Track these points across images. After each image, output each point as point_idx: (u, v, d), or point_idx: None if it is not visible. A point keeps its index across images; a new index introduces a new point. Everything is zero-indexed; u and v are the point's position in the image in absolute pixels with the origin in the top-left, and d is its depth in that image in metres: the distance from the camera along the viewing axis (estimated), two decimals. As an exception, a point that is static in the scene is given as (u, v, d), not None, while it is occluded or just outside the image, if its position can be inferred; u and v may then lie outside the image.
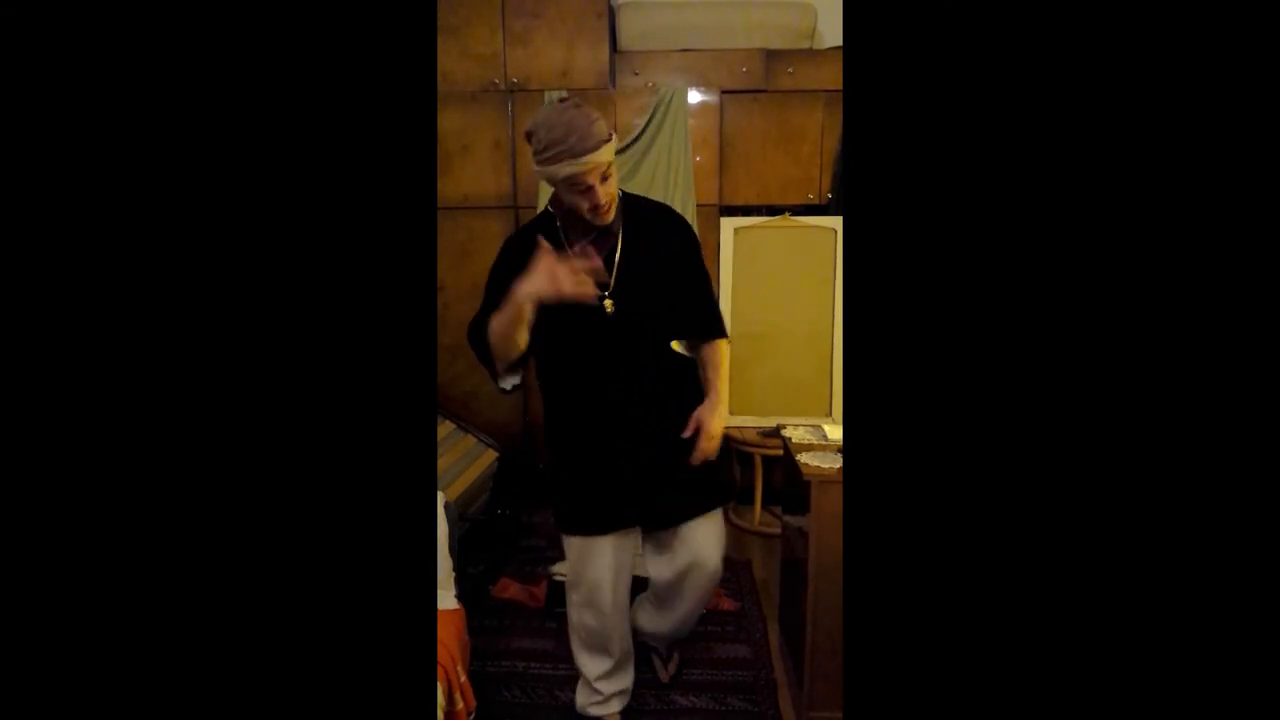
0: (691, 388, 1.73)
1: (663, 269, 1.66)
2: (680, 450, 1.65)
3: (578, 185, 1.51)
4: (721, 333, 1.75)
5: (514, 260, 1.58)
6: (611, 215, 1.59)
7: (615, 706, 1.90)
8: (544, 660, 2.23)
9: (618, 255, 1.63)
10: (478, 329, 1.61)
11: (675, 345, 1.75)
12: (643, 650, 2.03)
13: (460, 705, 1.66)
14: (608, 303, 1.60)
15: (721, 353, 1.73)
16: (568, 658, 2.22)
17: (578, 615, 1.80)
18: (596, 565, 1.72)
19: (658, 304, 1.65)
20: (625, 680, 1.89)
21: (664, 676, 2.08)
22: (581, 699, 1.91)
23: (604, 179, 1.52)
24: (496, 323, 1.53)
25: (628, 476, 1.66)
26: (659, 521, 1.74)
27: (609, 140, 1.50)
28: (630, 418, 1.65)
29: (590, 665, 1.86)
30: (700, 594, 1.82)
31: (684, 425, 1.65)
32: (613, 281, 1.61)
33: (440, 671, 1.59)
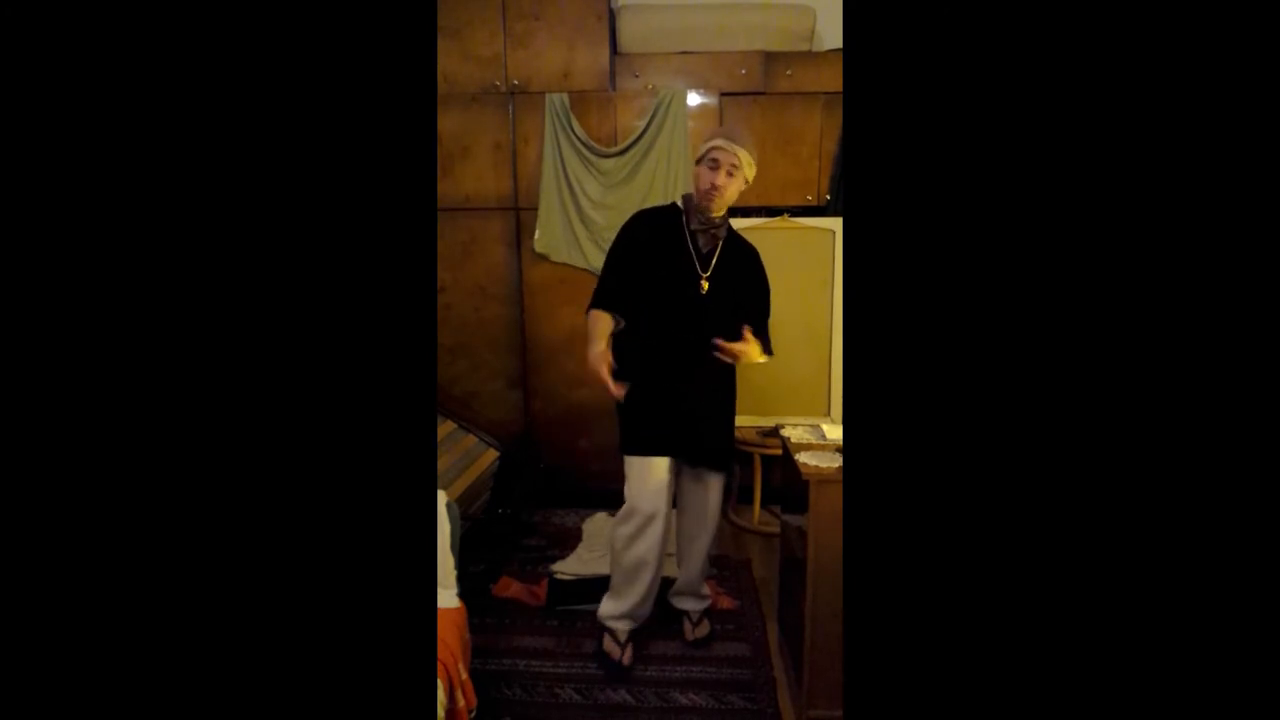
0: (733, 375, 2.17)
1: (743, 283, 2.12)
2: (718, 413, 2.14)
3: (712, 161, 1.97)
4: (767, 351, 2.09)
5: (638, 235, 2.10)
6: (719, 207, 2.02)
7: (625, 625, 2.21)
8: (544, 658, 2.24)
9: (719, 251, 2.08)
10: (596, 303, 2.09)
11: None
12: (675, 617, 2.37)
13: (461, 703, 1.67)
14: (704, 283, 2.04)
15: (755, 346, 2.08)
16: (568, 655, 2.24)
17: (624, 546, 2.13)
18: (651, 484, 2.08)
19: (736, 299, 2.08)
20: (648, 608, 2.21)
21: (690, 636, 2.31)
22: (604, 609, 2.25)
23: (729, 174, 1.97)
24: (591, 351, 2.00)
25: (683, 415, 2.08)
26: (696, 459, 2.14)
27: (748, 150, 1.98)
28: (697, 372, 2.06)
29: (628, 588, 2.17)
30: (707, 534, 2.25)
31: (726, 394, 2.15)
32: (712, 268, 2.06)
33: (441, 669, 1.60)
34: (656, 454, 2.08)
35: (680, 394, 2.07)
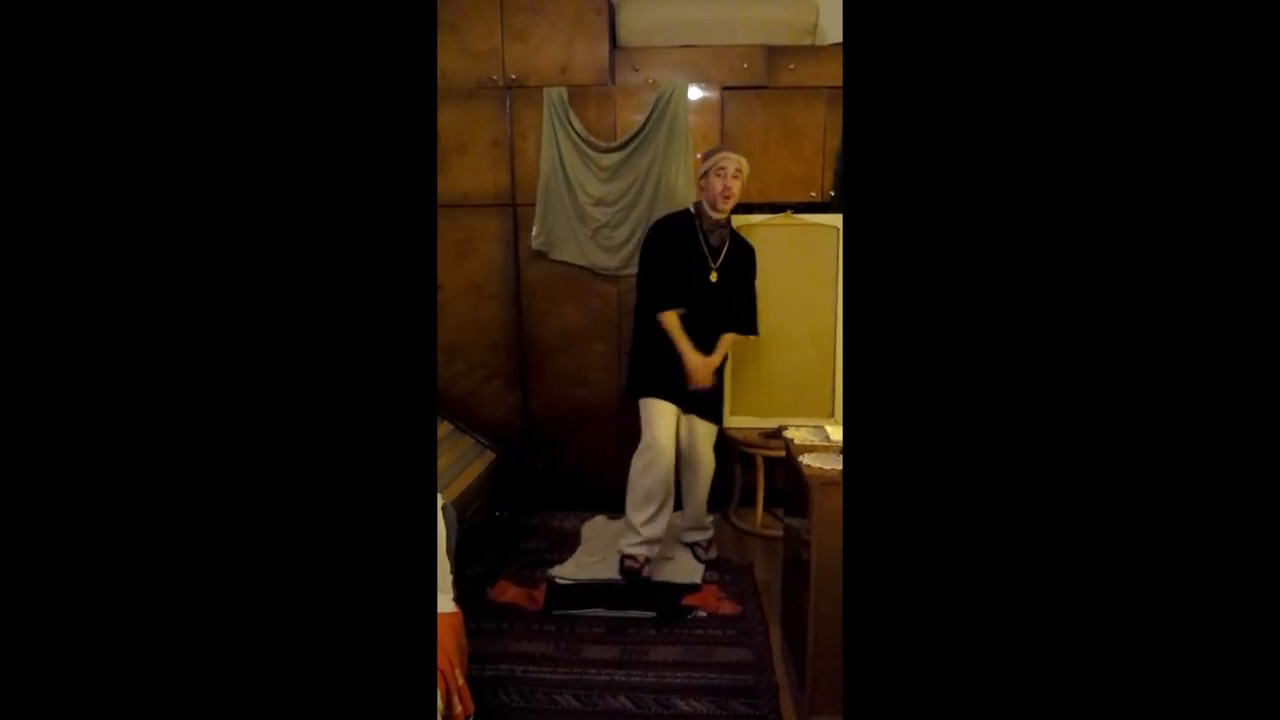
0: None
1: (740, 273, 2.65)
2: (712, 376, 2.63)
3: (720, 169, 2.46)
4: (753, 331, 2.72)
5: (661, 238, 2.60)
6: (728, 207, 2.52)
7: (644, 551, 2.62)
8: (542, 663, 2.21)
9: (726, 247, 2.60)
10: (658, 307, 2.59)
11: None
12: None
13: (458, 709, 1.64)
14: (714, 274, 2.57)
15: (732, 338, 2.69)
16: (566, 661, 2.22)
17: (639, 475, 2.63)
18: (663, 427, 2.60)
19: (735, 286, 2.63)
20: (659, 530, 2.62)
21: (704, 558, 2.82)
22: (621, 543, 2.66)
23: (735, 177, 2.47)
24: (690, 352, 2.58)
25: (686, 374, 2.58)
26: (691, 407, 2.66)
27: (744, 161, 2.49)
28: (700, 341, 2.58)
29: (638, 514, 2.62)
30: (700, 474, 2.77)
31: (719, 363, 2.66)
32: (721, 261, 2.59)
33: (438, 675, 1.57)
34: (662, 398, 2.58)
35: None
